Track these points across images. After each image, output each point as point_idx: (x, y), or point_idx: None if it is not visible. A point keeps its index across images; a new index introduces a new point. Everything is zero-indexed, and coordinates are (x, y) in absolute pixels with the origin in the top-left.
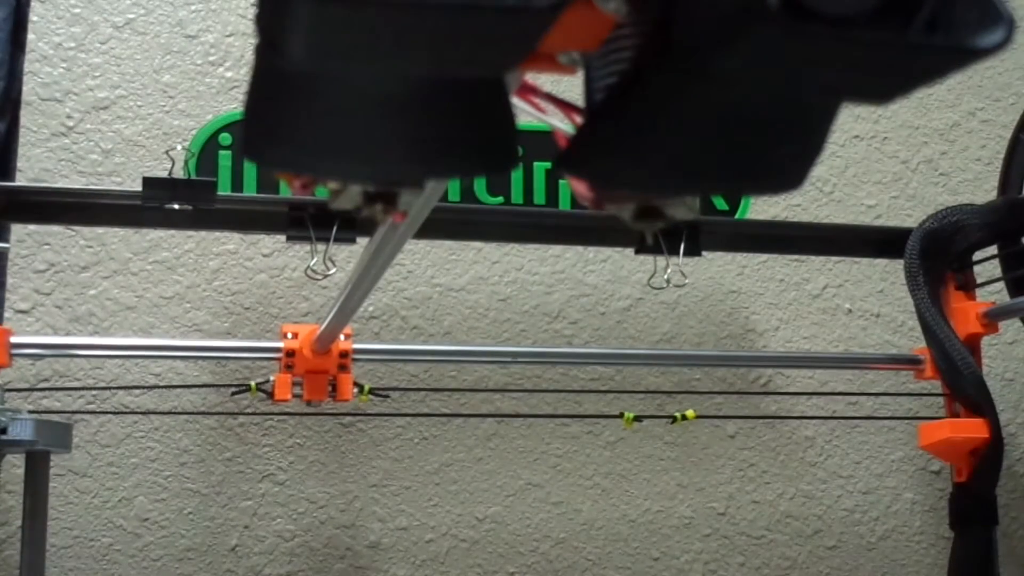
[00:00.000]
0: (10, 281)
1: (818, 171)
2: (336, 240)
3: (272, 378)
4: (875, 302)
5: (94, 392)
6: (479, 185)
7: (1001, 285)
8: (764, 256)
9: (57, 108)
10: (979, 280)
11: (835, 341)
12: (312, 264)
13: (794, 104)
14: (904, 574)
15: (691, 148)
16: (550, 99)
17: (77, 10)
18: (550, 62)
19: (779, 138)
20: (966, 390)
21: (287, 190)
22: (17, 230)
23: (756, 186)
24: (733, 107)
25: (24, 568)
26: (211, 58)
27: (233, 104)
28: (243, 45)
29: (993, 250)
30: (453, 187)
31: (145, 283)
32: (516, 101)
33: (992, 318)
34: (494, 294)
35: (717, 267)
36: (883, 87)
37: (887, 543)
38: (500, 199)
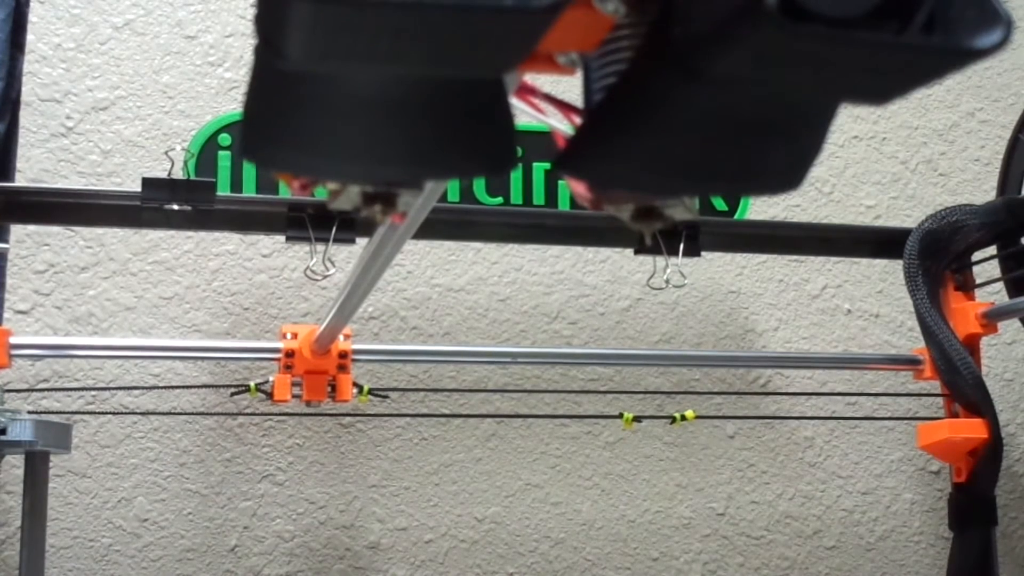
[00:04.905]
0: (10, 281)
1: (817, 171)
2: (335, 240)
3: (271, 378)
4: (874, 302)
5: (93, 393)
6: (478, 185)
7: (1000, 285)
8: (763, 256)
9: (57, 109)
10: (978, 280)
11: (834, 341)
12: (311, 265)
13: (793, 104)
14: (903, 574)
15: (690, 148)
16: (549, 100)
17: (77, 11)
18: (549, 63)
19: (778, 138)
20: (965, 390)
21: (286, 190)
22: (17, 230)
23: (755, 186)
24: (731, 108)
25: (24, 568)
26: (210, 59)
27: (232, 105)
28: (242, 45)
29: (992, 250)
30: (453, 187)
31: (144, 284)
32: (515, 102)
33: (991, 318)
34: (493, 294)
35: (716, 267)
36: (881, 87)
37: (886, 543)
38: (499, 199)
